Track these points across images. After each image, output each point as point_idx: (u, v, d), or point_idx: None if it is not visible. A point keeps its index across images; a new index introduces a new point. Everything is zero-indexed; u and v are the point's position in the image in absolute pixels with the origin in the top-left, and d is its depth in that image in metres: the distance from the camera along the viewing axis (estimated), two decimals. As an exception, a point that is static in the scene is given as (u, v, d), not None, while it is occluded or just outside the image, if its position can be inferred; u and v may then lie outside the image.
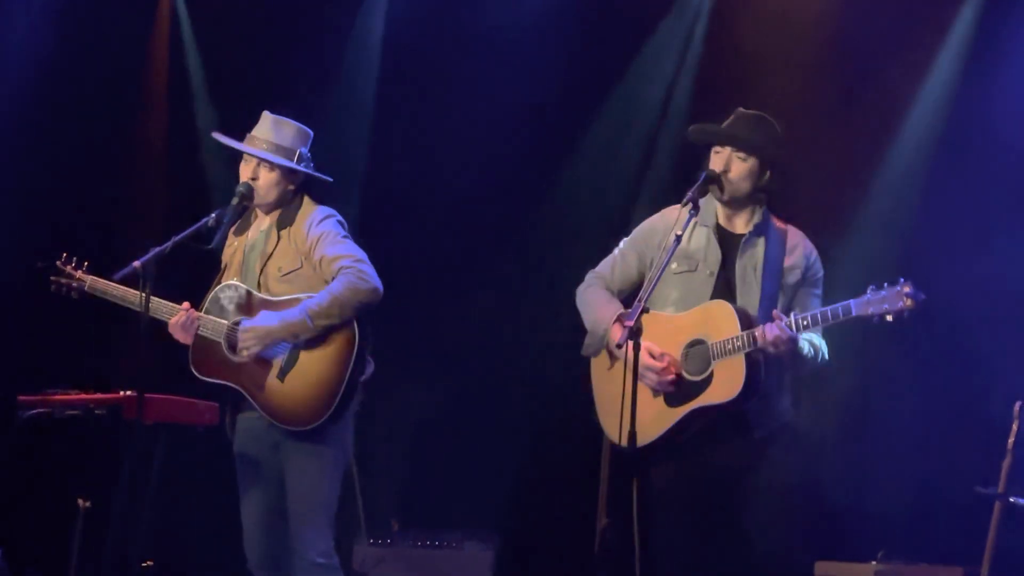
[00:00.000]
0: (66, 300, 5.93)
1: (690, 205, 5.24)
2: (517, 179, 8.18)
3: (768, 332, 5.08)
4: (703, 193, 5.31)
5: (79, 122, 8.26)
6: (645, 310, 4.99)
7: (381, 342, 5.75)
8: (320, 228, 5.62)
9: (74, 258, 5.95)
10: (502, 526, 7.68)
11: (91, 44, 8.25)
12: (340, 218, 5.72)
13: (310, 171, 5.74)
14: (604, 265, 5.60)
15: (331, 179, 5.84)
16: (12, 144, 8.06)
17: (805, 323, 5.10)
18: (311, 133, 5.79)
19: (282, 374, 5.55)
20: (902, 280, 4.93)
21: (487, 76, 8.19)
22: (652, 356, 5.23)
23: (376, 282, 5.53)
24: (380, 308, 5.63)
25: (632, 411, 4.94)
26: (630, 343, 4.95)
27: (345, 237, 5.65)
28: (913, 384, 7.35)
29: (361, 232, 6.02)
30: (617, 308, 5.42)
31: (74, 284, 5.92)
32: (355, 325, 5.52)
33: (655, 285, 5.13)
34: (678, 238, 5.17)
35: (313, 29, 8.44)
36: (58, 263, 5.95)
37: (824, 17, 7.80)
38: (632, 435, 4.95)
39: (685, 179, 5.42)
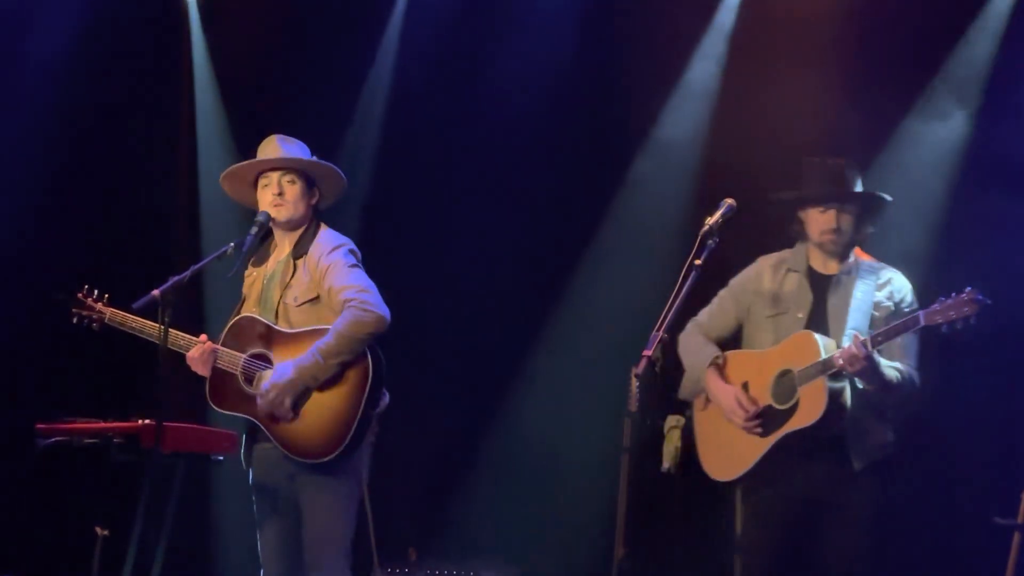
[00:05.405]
0: (86, 329, 5.97)
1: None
2: (538, 209, 8.13)
3: (844, 350, 5.32)
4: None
5: (100, 149, 8.28)
6: (665, 338, 5.03)
7: (398, 371, 5.75)
8: (330, 258, 5.66)
9: (95, 290, 5.98)
10: (520, 556, 7.65)
11: (112, 66, 8.27)
12: (352, 247, 5.74)
13: (326, 163, 5.80)
14: (703, 313, 5.85)
15: (342, 172, 5.85)
16: (30, 174, 8.09)
17: (879, 338, 5.32)
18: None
19: (296, 407, 5.57)
20: (968, 288, 5.18)
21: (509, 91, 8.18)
22: (741, 404, 5.51)
23: (381, 310, 5.55)
24: (397, 337, 5.64)
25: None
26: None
27: (353, 267, 5.67)
28: (931, 413, 7.30)
29: (379, 259, 6.02)
30: (712, 352, 5.70)
31: (95, 316, 5.95)
32: (369, 357, 5.54)
33: (675, 308, 5.11)
34: (695, 266, 5.19)
35: (332, 48, 8.44)
36: (79, 295, 5.99)
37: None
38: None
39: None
